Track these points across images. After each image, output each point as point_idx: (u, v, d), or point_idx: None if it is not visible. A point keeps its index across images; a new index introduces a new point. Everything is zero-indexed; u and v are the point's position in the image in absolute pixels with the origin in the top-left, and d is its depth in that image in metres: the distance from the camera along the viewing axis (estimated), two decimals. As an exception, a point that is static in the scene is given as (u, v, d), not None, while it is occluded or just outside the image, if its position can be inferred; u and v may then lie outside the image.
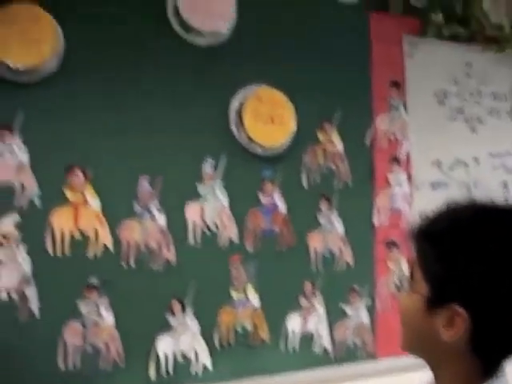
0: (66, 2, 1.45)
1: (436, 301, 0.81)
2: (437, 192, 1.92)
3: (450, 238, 0.81)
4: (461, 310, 0.79)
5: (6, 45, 1.38)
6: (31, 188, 1.43)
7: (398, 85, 1.89)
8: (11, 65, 1.39)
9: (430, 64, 1.95)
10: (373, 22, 1.86)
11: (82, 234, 1.47)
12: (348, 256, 1.75)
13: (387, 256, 1.84)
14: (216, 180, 1.58)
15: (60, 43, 1.44)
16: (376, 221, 1.82)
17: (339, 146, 1.77)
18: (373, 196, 1.82)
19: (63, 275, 1.44)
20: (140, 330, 1.49)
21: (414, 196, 1.89)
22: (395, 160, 1.87)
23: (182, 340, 1.54)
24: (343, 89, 1.76)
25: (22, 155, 1.43)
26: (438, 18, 1.90)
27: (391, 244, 1.85)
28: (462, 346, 0.80)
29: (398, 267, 1.85)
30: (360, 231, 1.78)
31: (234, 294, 1.60)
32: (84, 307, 1.46)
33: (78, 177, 1.47)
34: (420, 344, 0.85)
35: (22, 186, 1.42)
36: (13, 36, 1.38)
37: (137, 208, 1.51)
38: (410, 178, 1.89)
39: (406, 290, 0.87)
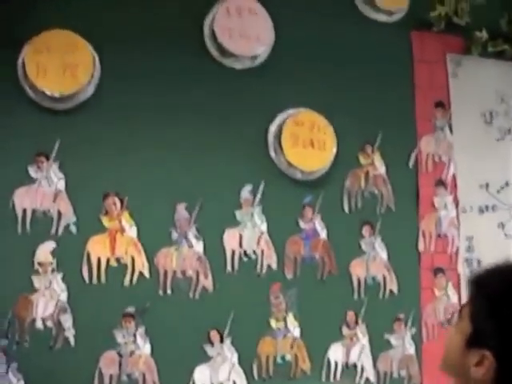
0: (102, 29, 1.45)
1: (474, 343, 0.90)
2: (485, 216, 1.84)
3: (502, 300, 0.88)
4: (492, 357, 0.88)
5: (43, 72, 1.38)
6: (68, 215, 1.42)
7: (442, 105, 1.82)
8: (48, 92, 1.38)
9: (475, 83, 1.87)
10: (415, 41, 1.81)
11: (118, 261, 1.44)
12: (392, 283, 1.68)
13: (433, 283, 1.76)
14: (254, 206, 1.54)
15: (96, 69, 1.44)
16: (421, 246, 1.75)
17: (382, 169, 1.71)
18: (417, 220, 1.75)
19: (99, 303, 1.42)
20: (177, 360, 1.45)
21: (460, 220, 1.81)
22: (441, 183, 1.80)
23: (221, 371, 1.49)
24: (386, 110, 1.71)
25: (59, 182, 1.42)
26: (483, 35, 1.83)
27: (437, 270, 1.77)
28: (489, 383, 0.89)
29: (444, 294, 1.77)
30: (404, 257, 1.71)
31: (274, 324, 1.55)
32: (120, 336, 1.43)
33: (115, 204, 1.45)
34: (455, 373, 0.95)
35: (59, 213, 1.41)
36: (50, 63, 1.38)
37: (174, 235, 1.48)
38: (456, 201, 1.81)
39: (454, 323, 0.97)
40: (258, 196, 1.55)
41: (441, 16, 1.80)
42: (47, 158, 1.42)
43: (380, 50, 1.73)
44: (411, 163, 1.75)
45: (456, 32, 1.83)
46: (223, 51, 1.52)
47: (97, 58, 1.44)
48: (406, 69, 1.77)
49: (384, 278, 1.67)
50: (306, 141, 1.56)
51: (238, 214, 1.53)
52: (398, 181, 1.72)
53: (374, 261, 1.65)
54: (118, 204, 1.45)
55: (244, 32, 1.52)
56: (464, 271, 1.78)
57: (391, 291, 1.68)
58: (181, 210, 1.49)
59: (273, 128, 1.57)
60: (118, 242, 1.45)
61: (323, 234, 1.61)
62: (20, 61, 1.39)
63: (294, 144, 1.55)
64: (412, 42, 1.79)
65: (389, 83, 1.73)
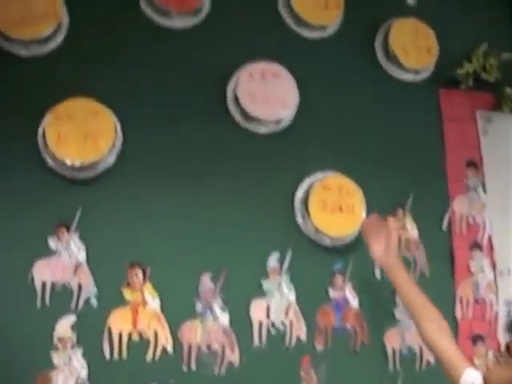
0: (124, 95, 1.43)
1: None
2: (524, 278, 1.75)
3: None
4: None
5: (64, 141, 1.35)
6: (88, 287, 1.36)
7: (474, 164, 1.76)
8: (69, 162, 1.35)
9: (507, 140, 1.81)
10: (443, 100, 1.76)
11: (140, 335, 1.37)
12: (429, 354, 1.58)
13: (472, 352, 1.65)
14: (282, 275, 1.48)
15: (118, 137, 1.41)
16: (458, 313, 1.65)
17: (414, 232, 1.64)
18: (453, 286, 1.66)
19: (121, 380, 1.35)
20: None
21: (498, 284, 1.71)
22: (476, 245, 1.71)
23: None
24: (416, 171, 1.65)
25: (80, 253, 1.37)
26: (513, 91, 1.79)
27: (477, 338, 1.67)
28: None
29: (484, 364, 1.66)
30: (441, 326, 1.61)
31: (305, 400, 1.46)
32: (143, 413, 1.35)
33: (137, 275, 1.39)
34: None
35: (79, 286, 1.36)
36: (71, 132, 1.35)
37: (198, 307, 1.42)
38: (493, 264, 1.72)
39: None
40: (286, 264, 1.48)
41: (469, 73, 1.75)
42: (68, 229, 1.37)
43: (408, 110, 1.69)
44: (444, 225, 1.68)
45: (485, 88, 1.78)
46: (247, 116, 1.49)
47: (118, 126, 1.41)
48: (435, 128, 1.72)
49: (420, 349, 1.57)
50: (334, 205, 1.50)
51: (265, 284, 1.46)
52: (431, 244, 1.64)
53: (409, 330, 1.56)
54: (141, 275, 1.40)
55: (268, 96, 1.48)
56: (505, 338, 1.68)
57: (428, 362, 1.58)
58: (205, 280, 1.43)
59: (300, 193, 1.51)
60: (141, 315, 1.38)
61: (355, 303, 1.53)
62: (41, 130, 1.37)
63: (321, 209, 1.49)
64: (440, 100, 1.75)
65: (418, 143, 1.68)
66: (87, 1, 1.47)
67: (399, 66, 1.68)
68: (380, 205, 1.57)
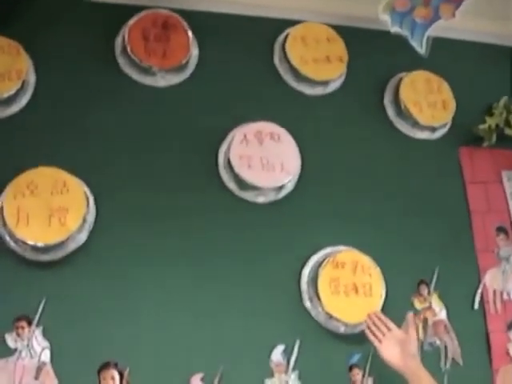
0: (96, 165, 1.23)
1: None
2: None
3: None
4: None
5: (25, 219, 1.14)
6: (53, 394, 1.12)
7: (504, 230, 1.54)
8: (31, 242, 1.14)
9: (538, 201, 1.61)
10: (464, 159, 1.56)
11: None
12: None
13: None
14: (289, 372, 1.22)
15: (90, 212, 1.20)
16: (499, 408, 1.40)
17: (442, 313, 1.40)
18: (491, 374, 1.41)
19: None
20: None
21: (541, 370, 1.46)
22: (513, 326, 1.47)
23: None
24: (440, 242, 1.42)
25: (43, 352, 1.14)
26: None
27: None
28: None
29: None
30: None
31: None
32: None
33: (113, 378, 1.15)
34: None
35: (43, 392, 1.12)
36: (33, 208, 1.14)
37: (187, 417, 1.16)
38: (534, 347, 1.48)
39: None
40: (293, 359, 1.23)
41: (491, 129, 1.57)
42: (29, 323, 1.14)
43: (425, 172, 1.48)
44: (476, 304, 1.44)
45: (510, 145, 1.58)
46: (242, 183, 1.28)
47: (91, 198, 1.21)
48: (457, 191, 1.51)
49: None
50: (348, 286, 1.27)
51: (269, 384, 1.21)
52: (462, 327, 1.40)
53: None
54: (117, 377, 1.15)
55: (265, 160, 1.28)
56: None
57: None
58: (196, 382, 1.18)
59: (306, 271, 1.28)
60: (117, 428, 1.13)
61: (378, 403, 1.28)
62: (-1, 206, 1.16)
63: (333, 290, 1.26)
64: (461, 160, 1.55)
65: (439, 210, 1.46)
66: (56, 56, 1.30)
67: (413, 123, 1.50)
68: (401, 283, 1.36)
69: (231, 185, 1.29)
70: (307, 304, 1.27)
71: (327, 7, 1.51)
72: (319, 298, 1.25)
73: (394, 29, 1.46)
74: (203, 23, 1.39)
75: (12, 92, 1.23)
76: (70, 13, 1.34)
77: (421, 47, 1.49)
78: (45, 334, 1.14)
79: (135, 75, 1.32)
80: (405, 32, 1.48)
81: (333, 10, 1.52)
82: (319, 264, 1.28)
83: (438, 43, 1.49)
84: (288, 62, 1.42)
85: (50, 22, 1.32)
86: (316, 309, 1.26)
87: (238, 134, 1.29)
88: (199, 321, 1.21)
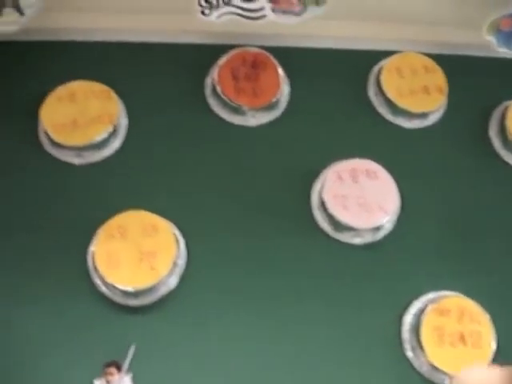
0: (186, 208, 1.21)
1: None
2: None
3: None
4: None
5: (116, 263, 1.13)
6: None
7: None
8: (121, 287, 1.12)
9: None
10: None
11: None
12: None
13: None
14: (390, 429, 1.14)
15: (181, 256, 1.17)
16: None
17: None
18: None
19: None
20: None
21: None
22: None
23: None
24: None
25: (134, 401, 1.12)
26: None
27: None
28: None
29: None
30: None
31: None
32: None
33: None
34: None
35: None
36: (124, 251, 1.13)
37: None
38: None
39: None
40: (394, 416, 1.14)
41: None
42: (118, 369, 1.12)
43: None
44: None
45: None
46: (337, 224, 1.21)
47: (182, 241, 1.19)
48: None
49: None
50: (454, 335, 1.16)
51: None
52: None
53: None
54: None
55: (362, 200, 1.21)
56: None
57: None
58: None
59: (408, 319, 1.19)
60: None
61: None
62: (91, 249, 1.16)
63: (438, 340, 1.16)
64: None
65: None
66: (147, 99, 1.31)
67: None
68: (514, 331, 1.24)
69: (325, 226, 1.23)
70: (409, 354, 1.18)
71: (423, 35, 1.44)
72: (422, 348, 1.16)
73: (501, 49, 1.37)
74: (293, 59, 1.35)
75: (104, 136, 1.23)
76: (159, 55, 1.34)
77: (531, 68, 1.39)
78: (134, 381, 1.12)
79: (225, 115, 1.30)
80: (512, 52, 1.39)
81: (429, 37, 1.44)
82: (421, 311, 1.18)
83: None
84: (383, 94, 1.35)
85: (140, 66, 1.33)
86: (419, 359, 1.17)
87: (331, 173, 1.23)
88: (292, 370, 1.15)
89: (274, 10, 1.19)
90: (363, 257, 1.24)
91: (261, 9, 1.19)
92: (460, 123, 1.40)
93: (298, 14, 1.20)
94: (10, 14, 1.19)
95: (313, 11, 1.21)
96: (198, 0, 1.15)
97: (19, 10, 1.17)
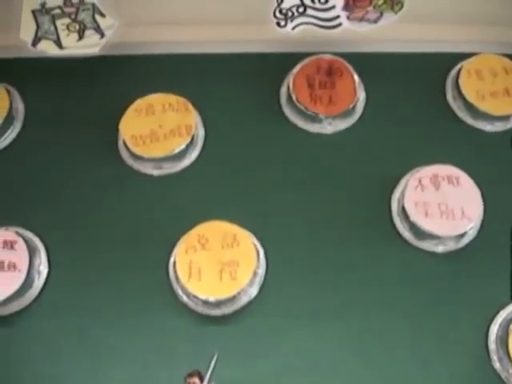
0: (264, 219, 1.21)
1: None
2: None
3: None
4: None
5: (197, 274, 1.14)
6: None
7: None
8: (203, 297, 1.13)
9: None
10: None
11: None
12: None
13: None
14: None
15: (261, 265, 1.17)
16: None
17: None
18: None
19: None
20: None
21: None
22: None
23: None
24: None
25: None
26: None
27: None
28: None
29: None
30: None
31: None
32: None
33: None
34: None
35: None
36: (206, 262, 1.14)
37: None
38: None
39: None
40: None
41: None
42: (201, 379, 1.13)
43: None
44: None
45: None
46: (419, 232, 1.19)
47: (261, 252, 1.19)
48: None
49: None
50: (544, 346, 1.12)
51: None
52: None
53: None
54: None
55: (444, 207, 1.18)
56: None
57: None
58: None
59: (494, 329, 1.15)
60: None
61: None
62: (172, 259, 1.18)
63: (527, 351, 1.12)
64: None
65: None
66: (224, 109, 1.31)
67: None
68: None
69: (407, 234, 1.21)
70: (496, 365, 1.14)
71: (502, 36, 1.39)
72: (510, 359, 1.12)
73: None
74: (369, 65, 1.33)
75: (183, 147, 1.25)
76: (234, 66, 1.35)
77: None
78: (219, 396, 1.13)
79: (301, 123, 1.30)
80: None
81: (508, 39, 1.40)
82: (508, 321, 1.14)
83: None
84: (463, 98, 1.31)
85: (216, 77, 1.34)
86: (507, 371, 1.13)
87: (412, 180, 1.21)
88: (375, 382, 1.13)
89: (349, 18, 1.17)
90: (446, 265, 1.20)
91: (336, 17, 1.17)
92: (543, 125, 1.35)
93: (373, 22, 1.18)
94: (91, 37, 1.22)
95: (389, 18, 1.19)
96: (273, 11, 1.15)
97: (100, 32, 1.19)
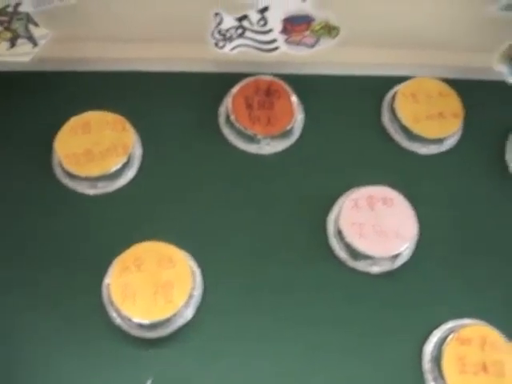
0: (201, 239, 1.20)
1: None
2: None
3: None
4: None
5: (132, 296, 1.12)
6: None
7: None
8: (136, 320, 1.11)
9: None
10: None
11: None
12: None
13: None
14: None
15: (197, 286, 1.16)
16: None
17: None
18: None
19: None
20: None
21: None
22: None
23: None
24: None
25: None
26: None
27: None
28: None
29: None
30: None
31: None
32: None
33: None
34: None
35: None
36: (141, 284, 1.12)
37: None
38: None
39: None
40: None
41: None
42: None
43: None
44: None
45: None
46: (354, 253, 1.20)
47: (198, 273, 1.18)
48: None
49: None
50: (476, 365, 1.14)
51: None
52: None
53: None
54: None
55: (379, 227, 1.20)
56: None
57: None
58: None
59: (429, 349, 1.17)
60: None
61: None
62: (106, 281, 1.15)
63: (459, 370, 1.13)
64: None
65: None
66: (162, 128, 1.30)
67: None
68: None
69: (343, 255, 1.22)
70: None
71: (437, 60, 1.43)
72: (443, 379, 1.13)
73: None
74: (307, 86, 1.35)
75: (119, 166, 1.23)
76: (173, 85, 1.34)
77: (544, 97, 1.38)
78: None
79: (240, 143, 1.30)
80: (525, 81, 1.37)
81: (444, 62, 1.43)
82: (442, 340, 1.16)
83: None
84: (398, 121, 1.34)
85: (154, 95, 1.33)
86: (440, 387, 1.15)
87: (347, 201, 1.22)
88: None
89: (286, 42, 1.18)
90: (381, 285, 1.22)
91: (274, 41, 1.18)
92: (476, 148, 1.39)
93: (310, 46, 1.20)
94: (23, 45, 1.19)
95: (326, 43, 1.20)
96: (211, 32, 1.15)
97: (33, 41, 1.17)
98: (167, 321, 1.13)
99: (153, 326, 1.13)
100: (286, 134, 1.30)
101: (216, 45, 1.19)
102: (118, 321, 1.14)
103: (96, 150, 1.22)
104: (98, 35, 1.29)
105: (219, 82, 1.34)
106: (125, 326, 1.14)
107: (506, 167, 1.38)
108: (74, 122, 1.26)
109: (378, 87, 1.40)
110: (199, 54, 1.29)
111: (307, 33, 1.19)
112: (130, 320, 1.12)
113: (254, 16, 1.17)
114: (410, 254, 1.24)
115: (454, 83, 1.39)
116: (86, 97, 1.33)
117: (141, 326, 1.12)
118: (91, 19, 1.27)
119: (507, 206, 1.34)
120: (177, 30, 1.28)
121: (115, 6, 1.26)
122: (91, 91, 1.34)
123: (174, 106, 1.33)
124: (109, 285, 1.14)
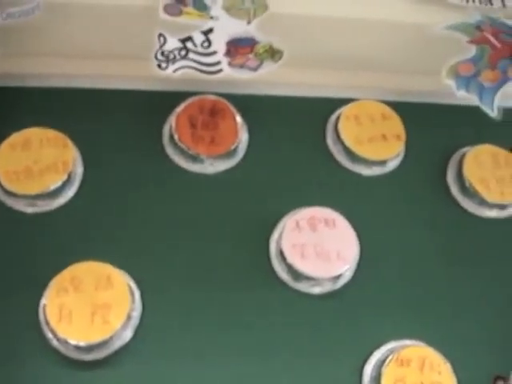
0: (139, 258, 1.18)
1: None
2: None
3: None
4: None
5: (68, 317, 1.09)
6: None
7: None
8: (73, 342, 1.08)
9: None
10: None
11: None
12: None
13: None
14: None
15: (136, 307, 1.14)
16: None
17: (523, 415, 1.25)
18: None
19: None
20: None
21: None
22: None
23: None
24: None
25: None
26: None
27: None
28: None
29: None
30: None
31: None
32: None
33: None
34: None
35: None
36: (78, 304, 1.10)
37: None
38: None
39: None
40: None
41: None
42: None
43: (496, 254, 1.35)
44: None
45: None
46: (296, 274, 1.20)
47: (137, 294, 1.16)
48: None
49: None
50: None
51: None
52: (548, 430, 1.24)
53: None
54: None
55: (320, 249, 1.20)
56: None
57: None
58: None
59: (368, 370, 1.17)
60: None
61: None
62: (42, 302, 1.12)
63: (399, 390, 1.14)
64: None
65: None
66: (104, 147, 1.29)
67: (480, 201, 1.39)
68: (475, 380, 1.22)
69: (284, 276, 1.22)
70: (370, 406, 1.16)
71: (380, 83, 1.45)
72: (384, 396, 1.14)
73: (460, 93, 1.38)
74: (252, 107, 1.35)
75: (58, 184, 1.21)
76: (116, 102, 1.33)
77: (491, 110, 1.39)
78: None
79: (183, 163, 1.29)
80: (472, 95, 1.39)
81: (386, 85, 1.46)
82: (382, 361, 1.17)
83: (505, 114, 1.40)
84: (342, 142, 1.36)
85: (96, 113, 1.31)
86: (382, 413, 1.15)
87: (289, 222, 1.22)
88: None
89: (230, 65, 1.18)
90: (323, 306, 1.22)
91: (217, 63, 1.18)
92: (418, 170, 1.41)
93: (253, 69, 1.20)
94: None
95: (269, 66, 1.21)
96: (154, 53, 1.14)
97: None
98: (105, 342, 1.10)
99: (90, 348, 1.10)
100: (229, 154, 1.30)
101: (159, 66, 1.19)
102: (55, 342, 1.11)
103: (35, 168, 1.20)
104: (40, 51, 1.27)
105: (164, 101, 1.33)
106: (62, 348, 1.11)
107: (447, 189, 1.41)
108: (14, 138, 1.23)
109: (323, 109, 1.41)
110: (144, 71, 1.28)
111: (251, 55, 1.20)
112: (66, 342, 1.09)
113: (198, 37, 1.17)
114: (352, 275, 1.24)
115: (396, 106, 1.41)
116: (28, 113, 1.30)
117: (77, 347, 1.10)
118: (33, 35, 1.26)
119: (449, 227, 1.36)
120: (121, 47, 1.27)
121: (59, 22, 1.24)
122: (33, 108, 1.31)
123: (117, 124, 1.32)
124: (45, 305, 1.11)
